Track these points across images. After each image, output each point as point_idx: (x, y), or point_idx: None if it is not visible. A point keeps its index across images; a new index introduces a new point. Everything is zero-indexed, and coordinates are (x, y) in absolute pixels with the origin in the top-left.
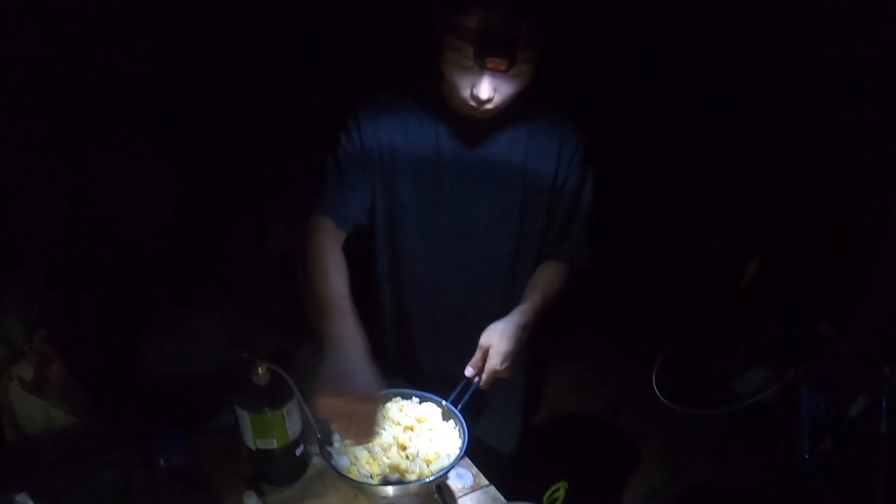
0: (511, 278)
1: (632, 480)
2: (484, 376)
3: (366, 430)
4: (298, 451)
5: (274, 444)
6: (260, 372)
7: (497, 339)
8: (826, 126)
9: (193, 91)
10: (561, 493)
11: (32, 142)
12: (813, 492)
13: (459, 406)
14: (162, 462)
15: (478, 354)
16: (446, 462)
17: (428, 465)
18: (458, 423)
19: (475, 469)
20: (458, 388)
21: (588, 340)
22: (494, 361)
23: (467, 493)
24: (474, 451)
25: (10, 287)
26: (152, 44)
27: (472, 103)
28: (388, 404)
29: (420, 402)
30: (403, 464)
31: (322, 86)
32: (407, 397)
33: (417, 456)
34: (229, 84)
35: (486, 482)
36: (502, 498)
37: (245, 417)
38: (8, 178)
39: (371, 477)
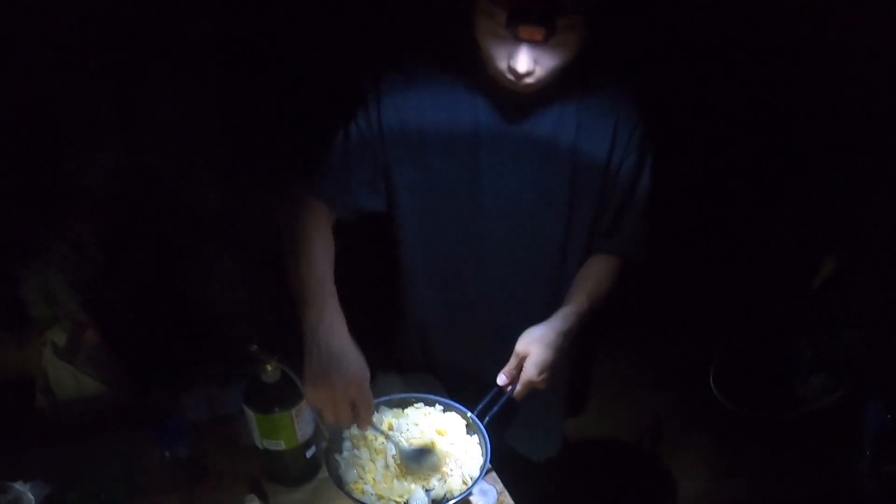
0: (558, 272)
1: (674, 487)
2: (518, 387)
3: (357, 413)
4: (309, 454)
5: (282, 445)
6: (269, 369)
7: (535, 348)
8: None
9: (241, 44)
10: None
11: (83, 97)
12: None
13: (487, 419)
14: (166, 453)
15: (512, 362)
16: (462, 487)
17: (442, 484)
18: (483, 440)
19: (500, 485)
20: (487, 398)
21: (641, 336)
22: (531, 372)
23: None
24: (502, 460)
25: (58, 244)
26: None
27: (510, 77)
28: (409, 410)
29: (444, 411)
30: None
31: (346, 52)
32: (430, 403)
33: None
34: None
35: (511, 501)
36: None
37: (252, 417)
38: (60, 132)
39: (379, 497)
